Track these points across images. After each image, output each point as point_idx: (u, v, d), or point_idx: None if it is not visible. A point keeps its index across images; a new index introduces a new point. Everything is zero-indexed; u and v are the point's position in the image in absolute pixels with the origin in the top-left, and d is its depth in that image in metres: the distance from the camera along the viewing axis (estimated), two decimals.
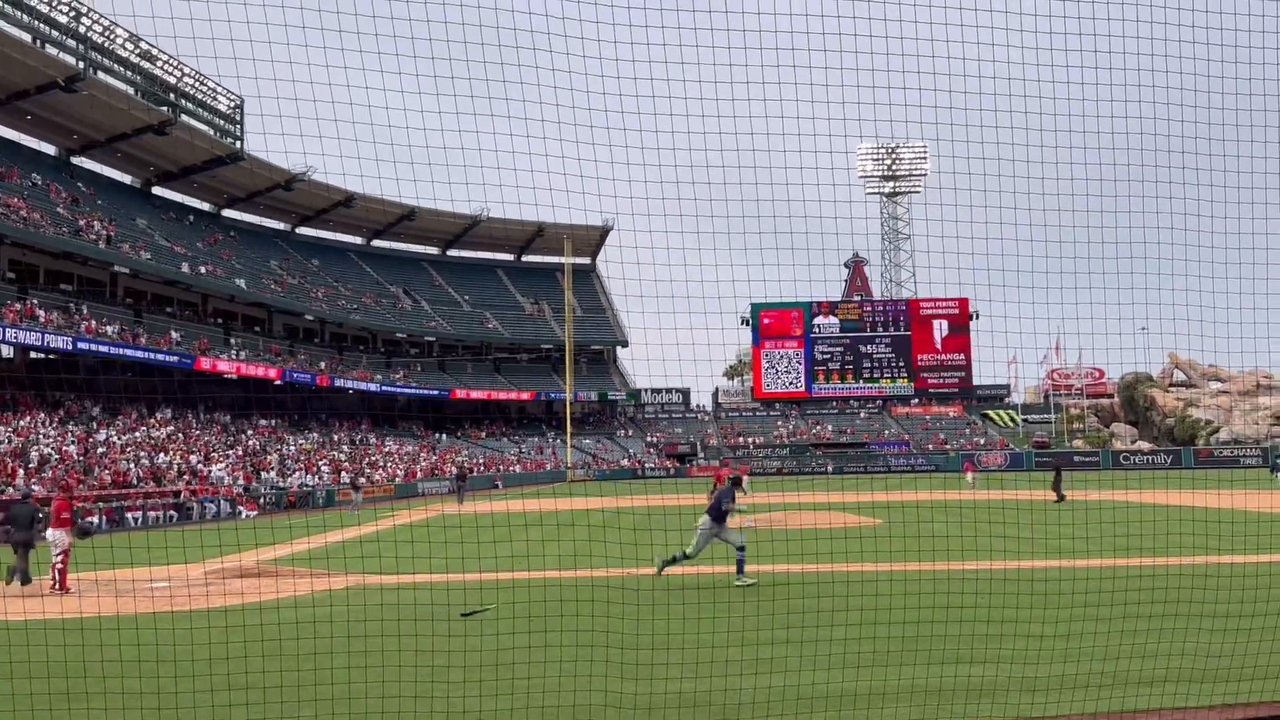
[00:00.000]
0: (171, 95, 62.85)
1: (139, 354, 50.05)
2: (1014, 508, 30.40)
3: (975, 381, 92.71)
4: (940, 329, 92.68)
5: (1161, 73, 10.29)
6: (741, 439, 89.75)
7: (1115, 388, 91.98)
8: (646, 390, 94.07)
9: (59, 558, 16.57)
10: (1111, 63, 10.26)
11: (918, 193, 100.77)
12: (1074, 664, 9.42)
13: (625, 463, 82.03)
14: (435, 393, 79.23)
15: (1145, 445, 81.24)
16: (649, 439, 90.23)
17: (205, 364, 54.02)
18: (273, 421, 60.42)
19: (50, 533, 16.92)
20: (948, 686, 8.71)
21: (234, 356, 58.78)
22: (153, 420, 49.91)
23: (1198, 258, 10.94)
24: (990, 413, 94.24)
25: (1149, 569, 14.87)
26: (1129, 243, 10.44)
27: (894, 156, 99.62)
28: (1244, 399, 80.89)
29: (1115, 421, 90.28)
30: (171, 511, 37.39)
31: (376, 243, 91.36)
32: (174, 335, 55.71)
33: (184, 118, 63.18)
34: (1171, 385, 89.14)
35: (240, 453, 50.37)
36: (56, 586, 16.33)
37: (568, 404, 78.70)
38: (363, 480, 50.74)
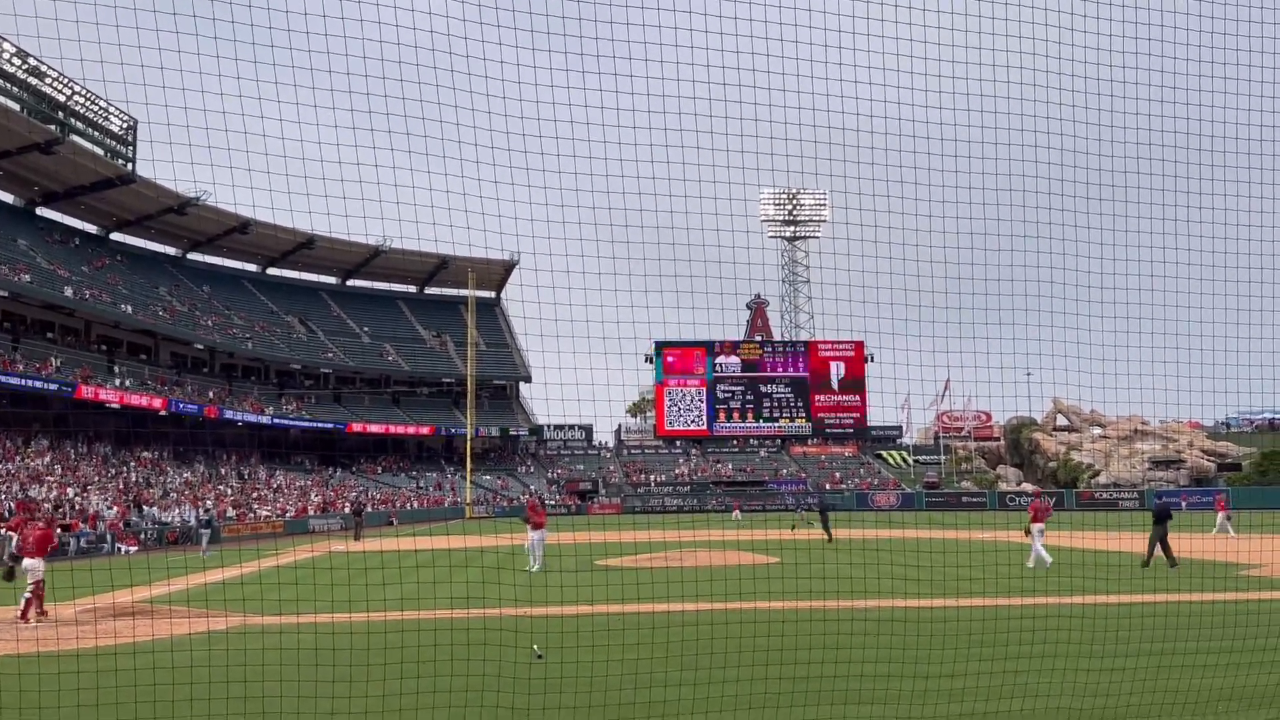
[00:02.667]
0: (60, 113, 60.57)
1: (15, 381, 47.69)
2: (904, 548, 31.06)
3: (870, 422, 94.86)
4: (837, 371, 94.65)
5: (1044, 133, 10.81)
6: (643, 476, 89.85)
7: (1001, 431, 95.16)
8: (549, 426, 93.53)
9: (32, 587, 16.60)
10: (997, 122, 10.73)
11: (817, 238, 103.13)
12: (958, 703, 9.62)
13: (525, 499, 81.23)
14: (330, 426, 77.34)
15: (1030, 487, 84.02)
16: (551, 475, 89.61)
17: (87, 392, 51.70)
18: (156, 453, 58.11)
19: (28, 561, 16.96)
20: None
21: (117, 385, 56.45)
22: (29, 451, 47.50)
23: (1077, 310, 11.45)
24: (883, 453, 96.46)
25: (1030, 609, 15.35)
26: (1012, 295, 10.87)
27: (795, 202, 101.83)
28: (1122, 444, 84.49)
29: (1001, 464, 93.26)
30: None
31: (272, 270, 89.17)
32: (54, 362, 53.26)
33: (73, 137, 60.91)
34: (1055, 430, 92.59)
35: (121, 485, 48.25)
36: (22, 616, 16.28)
37: (469, 439, 77.66)
38: (237, 515, 48.88)
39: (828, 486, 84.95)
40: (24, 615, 16.30)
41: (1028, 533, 24.51)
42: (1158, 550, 23.37)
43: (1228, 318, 11.60)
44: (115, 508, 43.34)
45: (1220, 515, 36.89)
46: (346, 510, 57.35)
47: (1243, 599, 17.03)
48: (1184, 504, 63.48)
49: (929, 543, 31.73)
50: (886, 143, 10.22)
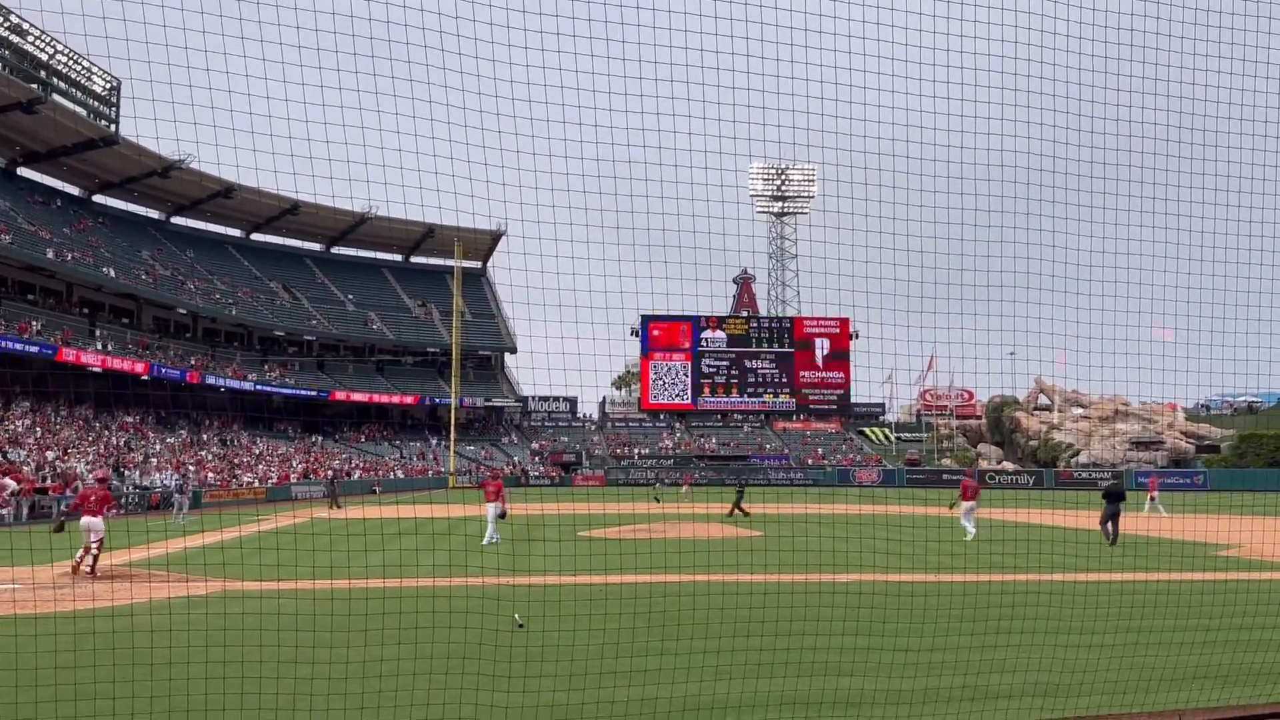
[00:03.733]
0: (42, 72, 59.69)
1: None
2: (885, 523, 31.26)
3: (853, 399, 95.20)
4: (822, 347, 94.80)
5: (1036, 108, 10.76)
6: (627, 449, 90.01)
7: (983, 409, 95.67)
8: (533, 397, 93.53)
9: (97, 543, 17.86)
10: (990, 96, 10.67)
11: (805, 214, 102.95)
12: (937, 677, 9.69)
13: (509, 470, 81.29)
14: (313, 393, 77.05)
15: (1010, 466, 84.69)
16: (534, 446, 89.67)
17: (68, 355, 51.31)
18: (138, 417, 57.80)
19: (89, 520, 18.13)
20: (816, 699, 8.85)
21: (99, 348, 56.03)
22: (9, 413, 47.16)
23: (1064, 288, 11.44)
24: (866, 430, 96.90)
25: (1009, 585, 15.47)
26: (999, 271, 10.85)
27: (784, 177, 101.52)
28: (1103, 424, 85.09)
29: (982, 442, 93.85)
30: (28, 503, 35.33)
31: (256, 236, 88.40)
32: (35, 324, 52.79)
33: (55, 96, 60.05)
34: (1036, 409, 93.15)
35: (102, 449, 48.00)
36: (90, 569, 17.62)
37: (453, 409, 77.53)
38: (219, 481, 48.52)
39: (809, 462, 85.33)
40: (91, 568, 17.58)
41: (953, 507, 25.44)
42: (1121, 526, 23.92)
43: (1215, 299, 11.63)
44: (94, 471, 43.10)
45: (1150, 496, 37.78)
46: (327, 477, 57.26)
47: (1219, 579, 17.20)
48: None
49: (910, 518, 31.93)
50: (879, 115, 10.15)
